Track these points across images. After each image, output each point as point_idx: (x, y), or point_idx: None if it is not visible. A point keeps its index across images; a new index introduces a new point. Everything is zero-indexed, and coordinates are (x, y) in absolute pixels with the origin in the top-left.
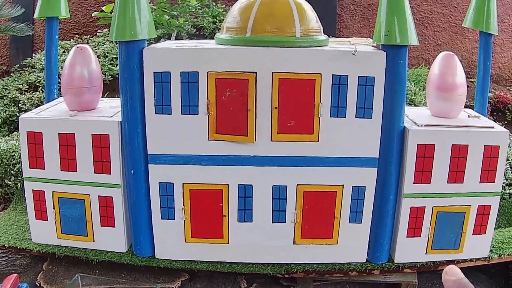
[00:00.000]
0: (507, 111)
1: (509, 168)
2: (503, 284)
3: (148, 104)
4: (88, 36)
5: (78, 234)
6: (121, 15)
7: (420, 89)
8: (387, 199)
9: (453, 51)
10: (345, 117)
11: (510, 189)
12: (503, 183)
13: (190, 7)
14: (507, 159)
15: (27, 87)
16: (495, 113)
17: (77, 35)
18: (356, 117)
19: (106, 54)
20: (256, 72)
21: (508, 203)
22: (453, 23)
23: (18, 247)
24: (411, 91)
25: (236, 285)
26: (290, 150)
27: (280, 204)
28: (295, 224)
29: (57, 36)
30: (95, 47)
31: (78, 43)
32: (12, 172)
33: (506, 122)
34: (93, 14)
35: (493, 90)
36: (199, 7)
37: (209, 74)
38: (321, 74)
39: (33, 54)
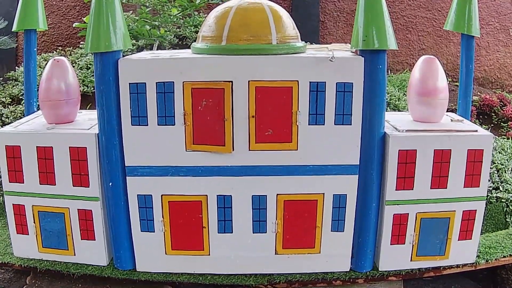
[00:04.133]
0: (493, 114)
1: (495, 172)
2: None
3: (124, 116)
4: (71, 48)
5: (59, 248)
6: (95, 27)
7: (404, 94)
8: (369, 207)
9: (438, 56)
10: (323, 124)
11: (497, 193)
12: (490, 187)
13: (172, 17)
14: (493, 162)
15: (10, 100)
16: (481, 116)
17: (60, 47)
18: (335, 124)
19: (89, 66)
20: (232, 81)
21: (495, 207)
22: (437, 27)
23: (0, 262)
24: (394, 96)
25: None
26: (269, 159)
27: (260, 214)
28: (276, 234)
29: (35, 49)
30: (77, 59)
31: (61, 55)
32: None
33: (492, 125)
34: (74, 25)
35: (478, 93)
36: (181, 17)
37: (184, 84)
38: (298, 81)
39: (16, 67)
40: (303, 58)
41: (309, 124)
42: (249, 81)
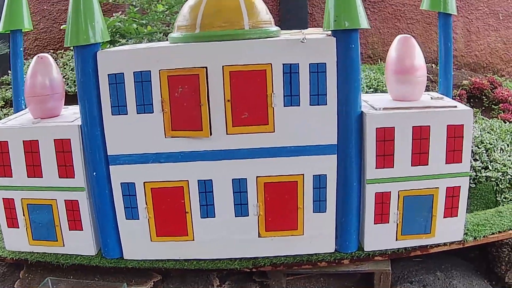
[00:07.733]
0: (483, 97)
1: (485, 151)
2: (484, 269)
3: (104, 106)
4: (63, 50)
5: (48, 239)
6: (74, 22)
7: None
8: (350, 186)
9: (428, 43)
10: (299, 105)
11: (486, 172)
12: (479, 166)
13: (158, 13)
14: (482, 142)
15: (4, 103)
16: (471, 100)
17: (52, 50)
18: (310, 104)
19: None
20: (206, 67)
21: (485, 187)
22: (426, 14)
23: None
24: (382, 82)
25: (208, 284)
26: (247, 142)
27: (241, 197)
28: (258, 216)
29: (21, 49)
30: (68, 61)
31: (53, 58)
32: None
33: (483, 108)
34: (61, 27)
35: (469, 78)
36: (168, 15)
37: (161, 72)
38: (271, 64)
39: (10, 72)
40: (275, 41)
41: (284, 106)
42: (223, 66)
